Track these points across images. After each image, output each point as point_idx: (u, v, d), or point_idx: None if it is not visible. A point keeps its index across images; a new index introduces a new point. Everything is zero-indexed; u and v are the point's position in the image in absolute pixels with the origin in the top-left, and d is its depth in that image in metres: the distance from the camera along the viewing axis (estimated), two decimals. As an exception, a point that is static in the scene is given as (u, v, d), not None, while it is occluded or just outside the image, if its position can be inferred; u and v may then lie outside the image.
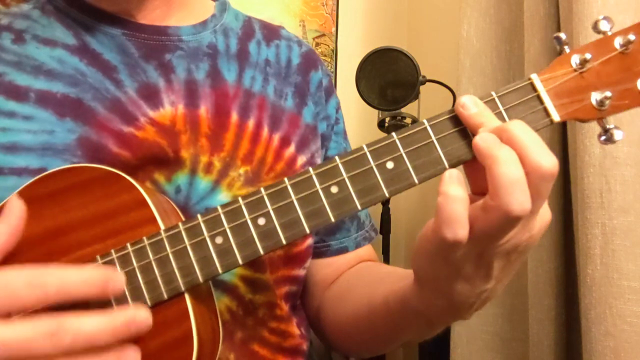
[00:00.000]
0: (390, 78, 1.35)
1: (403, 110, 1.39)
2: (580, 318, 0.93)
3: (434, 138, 0.48)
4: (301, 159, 0.68)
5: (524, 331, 1.11)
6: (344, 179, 0.48)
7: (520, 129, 0.43)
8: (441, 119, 0.48)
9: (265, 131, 0.66)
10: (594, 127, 0.89)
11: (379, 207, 1.47)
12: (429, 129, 0.48)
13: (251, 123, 0.65)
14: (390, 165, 0.47)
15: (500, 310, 1.17)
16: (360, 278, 0.70)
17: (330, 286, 0.72)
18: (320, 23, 1.76)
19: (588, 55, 0.48)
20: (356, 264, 0.75)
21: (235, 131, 0.64)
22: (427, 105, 1.46)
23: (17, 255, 0.50)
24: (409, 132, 0.48)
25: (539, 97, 0.48)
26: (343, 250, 0.74)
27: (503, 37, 1.20)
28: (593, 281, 0.89)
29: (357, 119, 1.65)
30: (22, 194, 0.52)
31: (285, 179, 0.49)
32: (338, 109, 0.78)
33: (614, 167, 0.88)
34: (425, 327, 0.56)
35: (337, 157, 0.48)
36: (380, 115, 1.46)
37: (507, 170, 0.41)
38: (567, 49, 0.49)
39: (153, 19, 0.65)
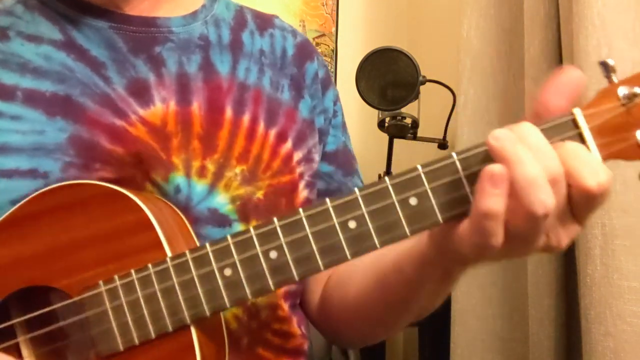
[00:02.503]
0: (390, 78, 1.35)
1: (403, 110, 1.39)
2: (580, 318, 0.93)
3: (462, 174, 0.43)
4: (297, 155, 0.66)
5: (524, 331, 1.11)
6: (362, 213, 0.45)
7: (573, 149, 0.42)
8: (471, 152, 0.44)
9: (261, 126, 0.64)
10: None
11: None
12: (457, 163, 0.44)
13: (246, 118, 0.63)
14: (413, 201, 0.44)
15: (500, 311, 1.17)
16: (359, 262, 0.68)
17: (330, 276, 0.70)
18: (320, 23, 1.76)
19: (637, 89, 0.43)
20: None
21: (230, 128, 0.61)
22: (427, 105, 1.46)
23: (17, 274, 0.49)
24: (435, 166, 0.44)
25: (580, 136, 0.43)
26: None
27: (503, 38, 1.20)
28: (593, 281, 0.89)
29: (357, 119, 1.65)
30: (23, 208, 0.50)
31: (300, 210, 0.46)
32: (336, 101, 0.75)
33: (614, 167, 0.88)
34: (440, 282, 0.53)
35: (356, 190, 0.45)
36: (380, 115, 1.46)
37: (522, 171, 0.40)
38: (614, 78, 0.44)
39: (141, 10, 0.62)
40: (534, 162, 0.40)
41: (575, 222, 0.43)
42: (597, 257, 0.88)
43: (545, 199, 0.40)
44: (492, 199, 0.41)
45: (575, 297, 0.99)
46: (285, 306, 0.65)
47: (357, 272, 0.65)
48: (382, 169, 1.52)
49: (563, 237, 0.44)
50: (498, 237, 0.42)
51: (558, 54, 1.06)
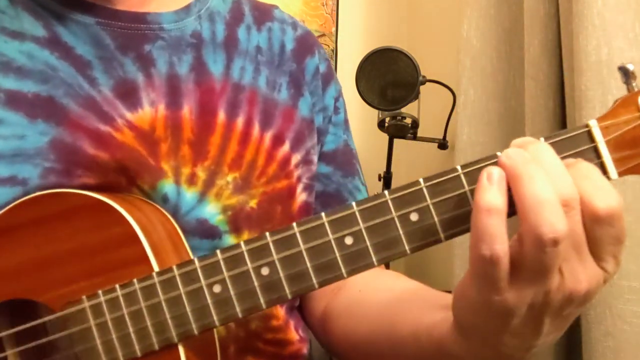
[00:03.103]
0: (390, 78, 1.35)
1: (403, 110, 1.39)
2: (580, 318, 0.93)
3: (467, 189, 0.41)
4: (295, 158, 0.63)
5: (524, 331, 1.11)
6: (360, 229, 0.42)
7: (586, 171, 0.39)
8: (477, 166, 0.41)
9: (256, 130, 0.60)
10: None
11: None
12: (462, 177, 0.41)
13: (240, 121, 0.60)
14: (414, 217, 0.42)
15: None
16: (375, 292, 0.62)
17: (339, 293, 0.65)
18: (320, 23, 1.76)
19: None
20: None
21: (222, 132, 0.58)
22: (427, 105, 1.46)
23: None
24: (438, 180, 0.41)
25: (596, 149, 0.41)
26: None
27: (503, 38, 1.20)
28: (593, 281, 0.89)
29: (357, 119, 1.65)
30: (4, 219, 0.48)
31: (294, 225, 0.43)
32: (338, 97, 0.71)
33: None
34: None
35: (354, 204, 0.42)
36: (380, 115, 1.46)
37: (532, 189, 0.37)
38: (634, 86, 0.41)
39: (130, 4, 0.58)
40: (544, 181, 0.37)
41: (595, 261, 0.40)
42: (597, 257, 0.88)
43: (555, 222, 0.36)
44: (490, 193, 0.38)
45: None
46: (281, 312, 0.62)
47: (369, 312, 0.60)
48: (382, 169, 1.52)
49: (581, 276, 0.39)
50: (503, 242, 0.37)
51: (558, 54, 1.06)
